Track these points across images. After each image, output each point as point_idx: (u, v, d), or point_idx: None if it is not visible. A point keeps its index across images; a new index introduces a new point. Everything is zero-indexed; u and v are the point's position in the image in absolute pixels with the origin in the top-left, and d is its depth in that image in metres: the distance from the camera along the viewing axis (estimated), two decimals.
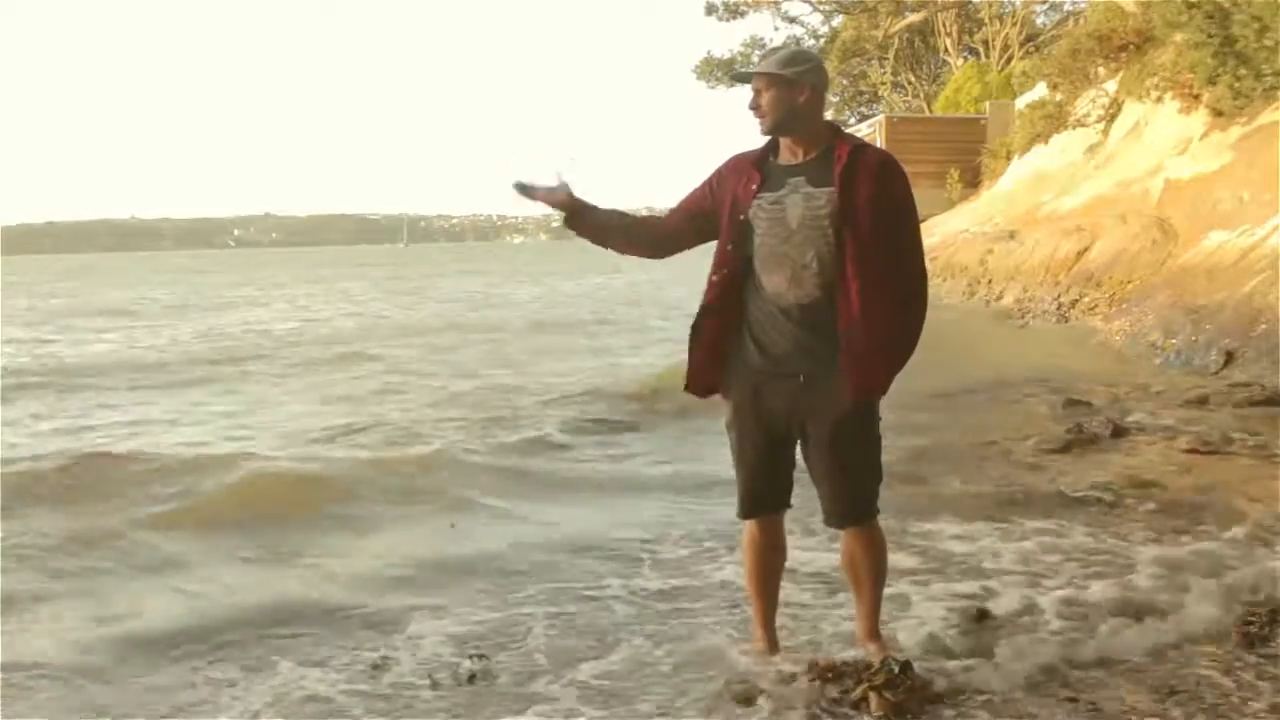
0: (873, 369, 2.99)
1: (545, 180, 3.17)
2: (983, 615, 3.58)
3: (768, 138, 3.13)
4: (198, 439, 7.66)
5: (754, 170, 3.09)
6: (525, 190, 3.18)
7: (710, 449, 5.50)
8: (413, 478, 5.97)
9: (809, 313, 2.99)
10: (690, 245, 3.28)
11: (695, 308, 3.18)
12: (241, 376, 11.67)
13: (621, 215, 3.35)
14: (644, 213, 3.44)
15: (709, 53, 31.97)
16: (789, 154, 3.08)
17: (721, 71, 31.19)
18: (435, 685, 3.26)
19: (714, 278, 3.12)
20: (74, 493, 5.59)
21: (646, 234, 3.32)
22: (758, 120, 3.06)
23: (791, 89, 3.02)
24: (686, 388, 3.23)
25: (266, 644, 3.64)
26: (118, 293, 34.71)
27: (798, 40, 31.81)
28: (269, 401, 9.74)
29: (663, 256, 3.35)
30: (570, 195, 3.20)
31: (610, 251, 3.40)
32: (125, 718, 3.16)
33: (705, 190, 3.19)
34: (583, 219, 3.23)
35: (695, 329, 3.16)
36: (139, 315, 23.33)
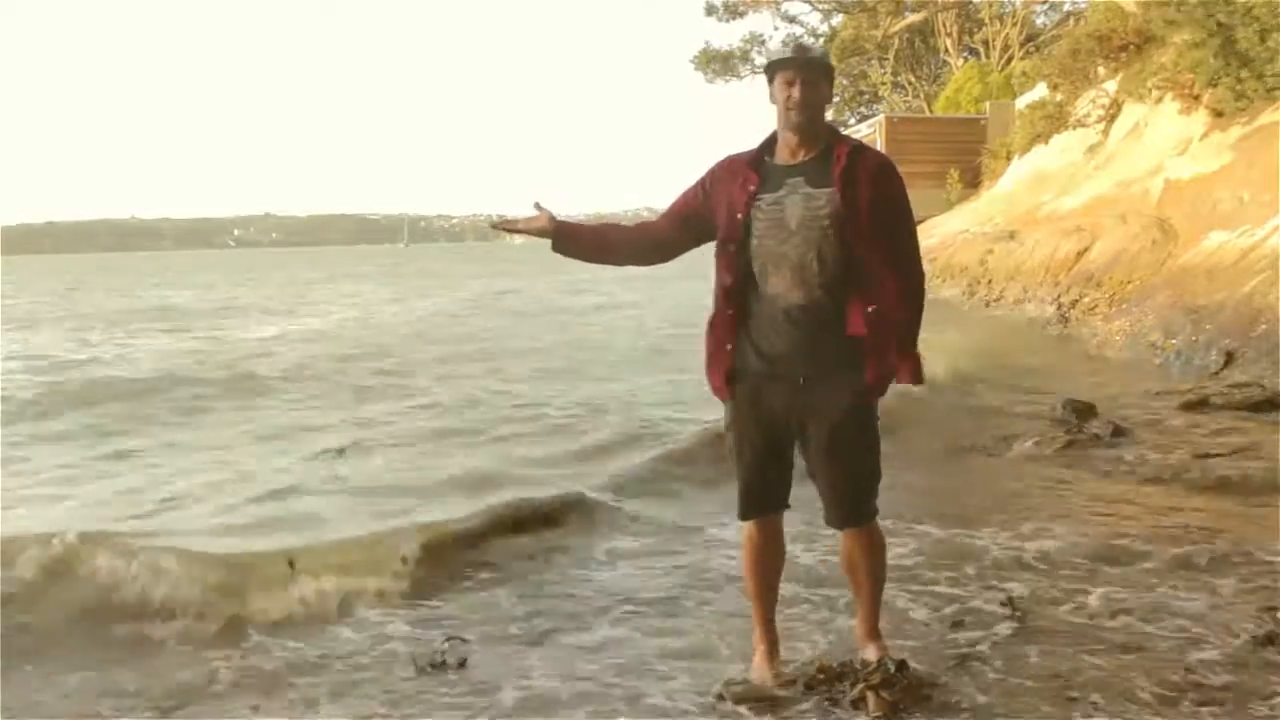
0: (883, 364, 3.01)
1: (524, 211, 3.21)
2: (988, 611, 3.58)
3: (764, 138, 3.12)
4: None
5: (750, 171, 3.07)
6: (506, 224, 3.24)
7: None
8: None
9: (809, 314, 2.98)
10: (687, 249, 3.24)
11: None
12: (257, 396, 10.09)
13: (611, 228, 3.33)
14: (645, 214, 3.44)
15: (707, 43, 31.95)
16: (787, 154, 3.06)
17: (720, 63, 31.08)
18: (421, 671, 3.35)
19: (722, 280, 3.10)
20: None
21: (640, 243, 3.28)
22: (792, 112, 2.99)
23: (830, 82, 3.07)
24: (716, 392, 3.18)
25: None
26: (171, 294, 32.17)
27: (797, 39, 31.74)
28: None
29: (659, 263, 3.33)
30: (551, 219, 3.17)
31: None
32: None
33: (698, 191, 3.16)
34: (569, 241, 3.20)
35: (711, 331, 3.13)
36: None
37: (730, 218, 3.05)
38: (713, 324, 3.12)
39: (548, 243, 3.24)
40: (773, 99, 3.06)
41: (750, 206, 3.02)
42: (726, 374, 3.11)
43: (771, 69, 3.06)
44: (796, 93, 2.98)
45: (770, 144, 3.11)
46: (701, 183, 3.16)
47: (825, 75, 3.05)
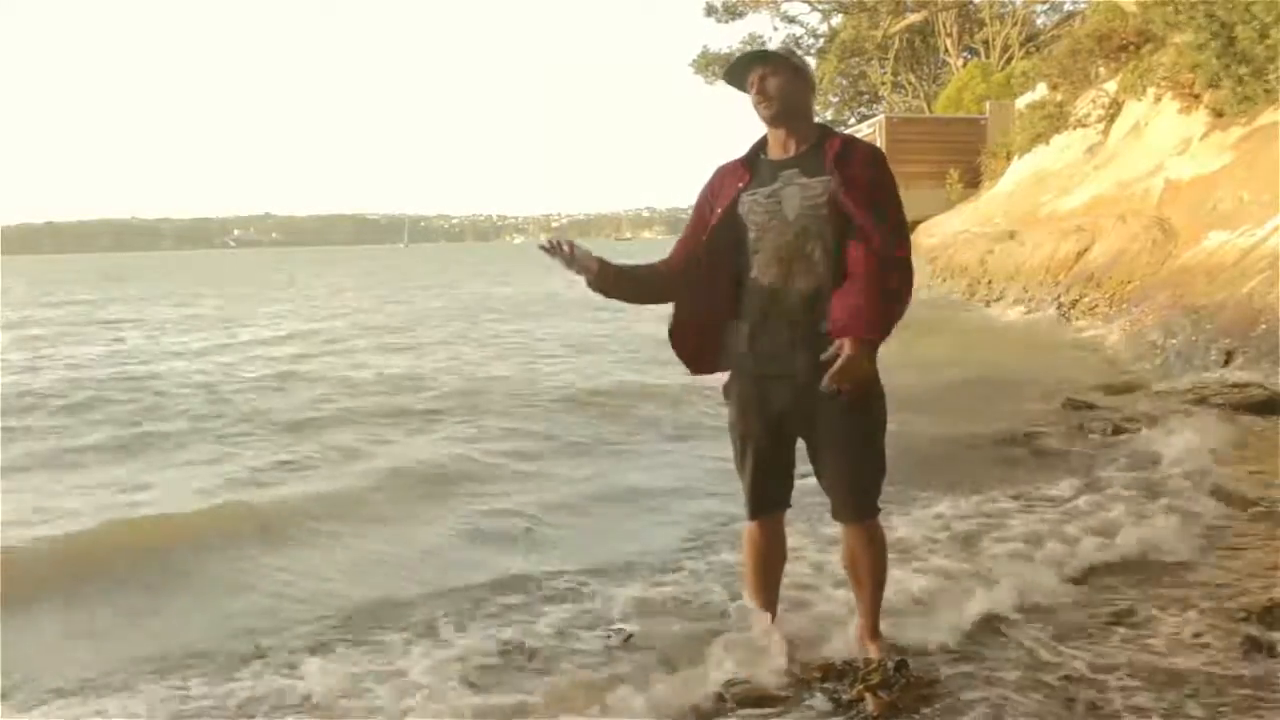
0: (868, 302, 2.89)
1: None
2: (988, 617, 3.58)
3: (758, 139, 3.13)
4: None
5: (742, 169, 3.09)
6: (555, 249, 2.99)
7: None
8: None
9: (812, 304, 2.98)
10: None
11: None
12: None
13: (648, 269, 3.19)
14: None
15: (705, 47, 31.91)
16: (779, 149, 3.08)
17: (719, 65, 31.05)
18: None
19: (717, 278, 3.08)
20: None
21: (679, 283, 3.14)
22: (761, 106, 3.03)
23: (798, 77, 3.06)
24: (693, 370, 3.19)
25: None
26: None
27: (796, 40, 31.84)
28: None
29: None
30: (600, 261, 3.05)
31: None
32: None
33: (706, 214, 3.12)
34: (611, 282, 3.07)
35: (684, 319, 3.11)
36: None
37: (729, 213, 3.05)
38: (701, 323, 3.11)
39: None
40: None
41: (744, 201, 3.03)
42: (713, 370, 3.13)
43: (733, 82, 3.08)
44: (759, 87, 3.02)
45: (763, 143, 3.13)
46: (707, 203, 3.13)
47: (787, 67, 3.05)
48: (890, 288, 2.93)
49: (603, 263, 3.05)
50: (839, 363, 2.85)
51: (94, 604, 4.28)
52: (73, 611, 4.22)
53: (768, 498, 3.19)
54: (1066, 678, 3.11)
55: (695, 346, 3.15)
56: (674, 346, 3.17)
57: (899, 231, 3.03)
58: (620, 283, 3.10)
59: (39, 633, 4.00)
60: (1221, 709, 2.89)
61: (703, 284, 3.10)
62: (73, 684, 3.44)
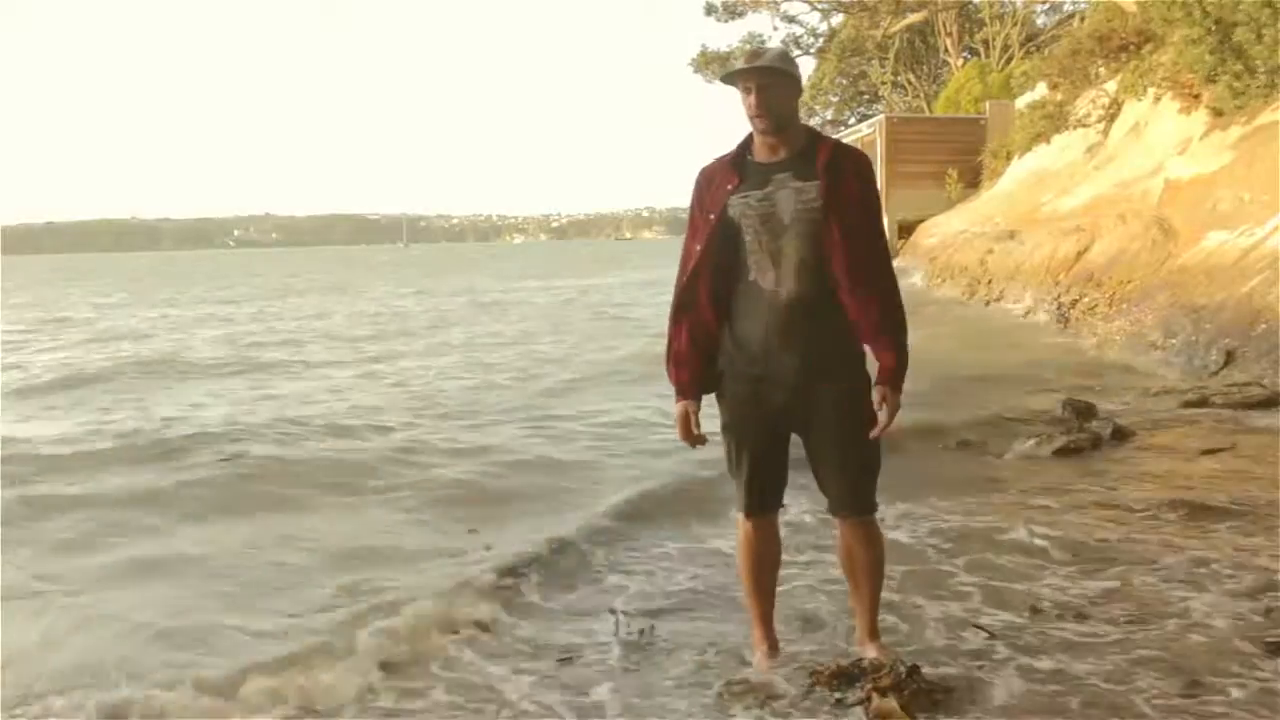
0: (894, 347, 3.00)
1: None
2: (990, 628, 3.58)
3: (742, 139, 3.11)
4: None
5: (731, 171, 3.07)
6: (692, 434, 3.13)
7: None
8: None
9: (806, 306, 2.98)
10: None
11: None
12: None
13: (700, 349, 3.12)
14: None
15: (704, 46, 31.87)
16: (768, 152, 3.06)
17: (719, 64, 31.00)
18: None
19: (696, 280, 3.08)
20: None
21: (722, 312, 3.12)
22: (758, 120, 3.01)
23: (794, 85, 3.06)
24: (682, 394, 3.13)
25: None
26: None
27: (796, 39, 31.86)
28: None
29: None
30: (693, 406, 3.12)
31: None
32: None
33: (704, 220, 3.09)
34: (704, 386, 3.14)
35: (686, 334, 3.11)
36: None
37: (721, 216, 3.04)
38: (691, 325, 3.10)
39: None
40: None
41: (736, 204, 3.02)
42: (698, 375, 3.11)
43: (729, 82, 3.06)
44: (754, 99, 2.99)
45: (749, 143, 3.11)
46: (702, 212, 3.10)
47: (781, 77, 3.02)
48: (897, 319, 3.02)
49: (694, 405, 3.12)
50: (886, 413, 2.98)
51: None
52: None
53: (763, 498, 3.18)
54: (1072, 688, 3.10)
55: (701, 363, 3.12)
56: (688, 354, 3.12)
57: (885, 255, 3.11)
58: (710, 376, 3.13)
59: None
60: None
61: (708, 289, 3.08)
62: None
